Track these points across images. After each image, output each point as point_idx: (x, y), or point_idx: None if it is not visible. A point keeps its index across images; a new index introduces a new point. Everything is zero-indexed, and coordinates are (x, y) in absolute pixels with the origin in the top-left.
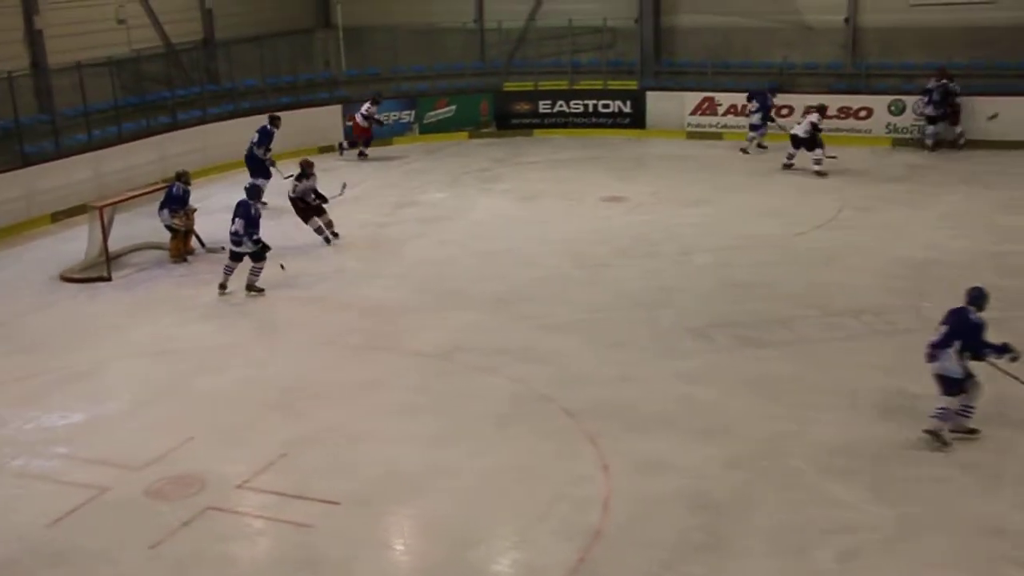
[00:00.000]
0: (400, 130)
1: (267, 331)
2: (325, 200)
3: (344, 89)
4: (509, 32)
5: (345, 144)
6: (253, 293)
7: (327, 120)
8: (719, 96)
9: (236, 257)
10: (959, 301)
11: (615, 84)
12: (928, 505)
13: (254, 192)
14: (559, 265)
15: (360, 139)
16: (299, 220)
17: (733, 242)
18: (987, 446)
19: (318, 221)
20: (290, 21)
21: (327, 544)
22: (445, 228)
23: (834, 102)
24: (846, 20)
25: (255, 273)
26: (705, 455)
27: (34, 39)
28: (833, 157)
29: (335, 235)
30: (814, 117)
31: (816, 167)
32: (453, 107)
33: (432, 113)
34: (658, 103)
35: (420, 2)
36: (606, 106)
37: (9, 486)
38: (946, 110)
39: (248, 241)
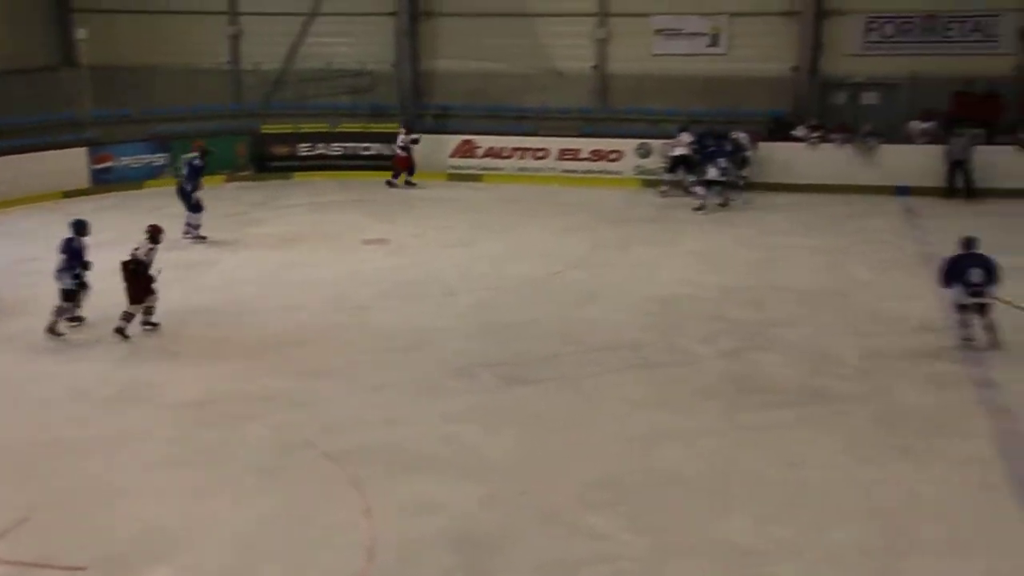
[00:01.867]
0: (152, 173)
1: (8, 384)
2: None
3: (92, 131)
4: (267, 74)
5: (393, 180)
6: (53, 335)
7: (71, 163)
8: (478, 139)
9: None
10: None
11: (376, 127)
12: (678, 531)
13: (79, 227)
14: (322, 309)
15: (404, 169)
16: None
17: (495, 283)
18: (721, 472)
19: (151, 301)
20: (26, 59)
21: None
22: (202, 274)
23: (586, 145)
24: (594, 67)
25: (60, 313)
26: (470, 494)
27: None
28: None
29: (155, 325)
30: None
31: None
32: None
33: (186, 156)
34: (418, 146)
35: (175, 43)
36: (367, 148)
37: None
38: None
39: (67, 277)
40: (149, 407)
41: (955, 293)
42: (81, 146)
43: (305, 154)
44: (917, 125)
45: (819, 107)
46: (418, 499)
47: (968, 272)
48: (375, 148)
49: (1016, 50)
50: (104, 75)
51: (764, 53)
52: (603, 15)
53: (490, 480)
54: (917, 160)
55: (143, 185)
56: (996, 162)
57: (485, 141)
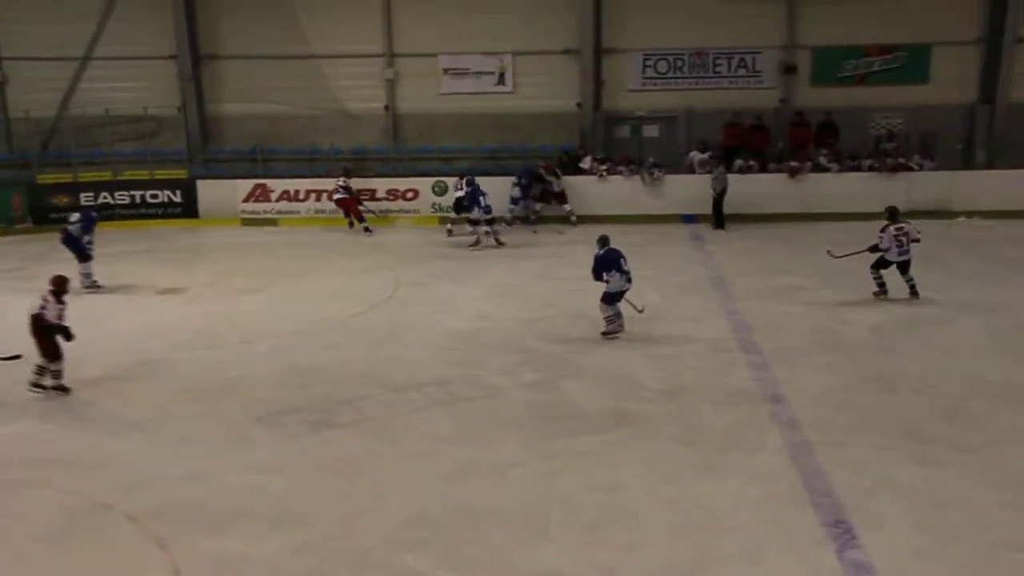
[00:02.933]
0: None
1: None
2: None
3: None
4: (40, 122)
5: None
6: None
7: None
8: (271, 182)
9: None
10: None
11: (162, 173)
12: (493, 563)
13: None
14: (116, 363)
15: (354, 213)
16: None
17: (293, 327)
18: (534, 502)
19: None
20: None
21: None
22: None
23: (382, 184)
24: (386, 107)
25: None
26: (278, 544)
27: None
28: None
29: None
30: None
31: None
32: None
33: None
34: (210, 191)
35: None
36: (155, 196)
37: None
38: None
39: None
40: None
41: (616, 282)
42: None
43: (88, 204)
44: (696, 155)
45: (605, 140)
46: (228, 554)
47: (620, 262)
48: (163, 195)
49: (778, 84)
50: None
51: (549, 90)
52: (390, 55)
53: (301, 529)
54: (698, 189)
55: None
56: (762, 191)
57: (279, 184)
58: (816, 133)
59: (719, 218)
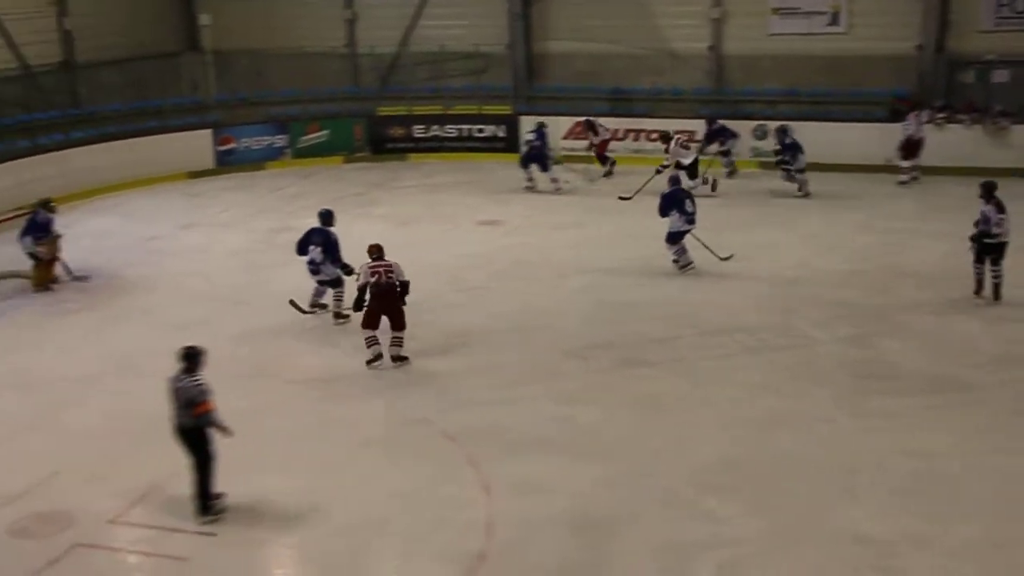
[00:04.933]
0: (272, 155)
1: (133, 361)
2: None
3: (216, 114)
4: (382, 57)
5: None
6: (340, 321)
7: (196, 144)
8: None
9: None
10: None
11: (489, 109)
12: (799, 517)
13: (327, 217)
14: (436, 289)
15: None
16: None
17: (606, 264)
18: (842, 459)
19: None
20: (155, 44)
21: None
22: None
23: (702, 127)
24: (710, 48)
25: (339, 297)
26: (585, 475)
27: None
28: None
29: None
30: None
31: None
32: (326, 132)
33: (305, 138)
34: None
35: (291, 27)
36: (480, 131)
37: None
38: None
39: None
40: (270, 383)
41: (674, 221)
42: (206, 128)
43: (419, 136)
44: None
45: (945, 86)
46: (535, 479)
47: (684, 202)
48: (488, 130)
49: None
50: (226, 60)
51: (886, 31)
52: None
53: (606, 461)
54: None
55: (264, 166)
56: None
57: (606, 122)
58: None
59: None
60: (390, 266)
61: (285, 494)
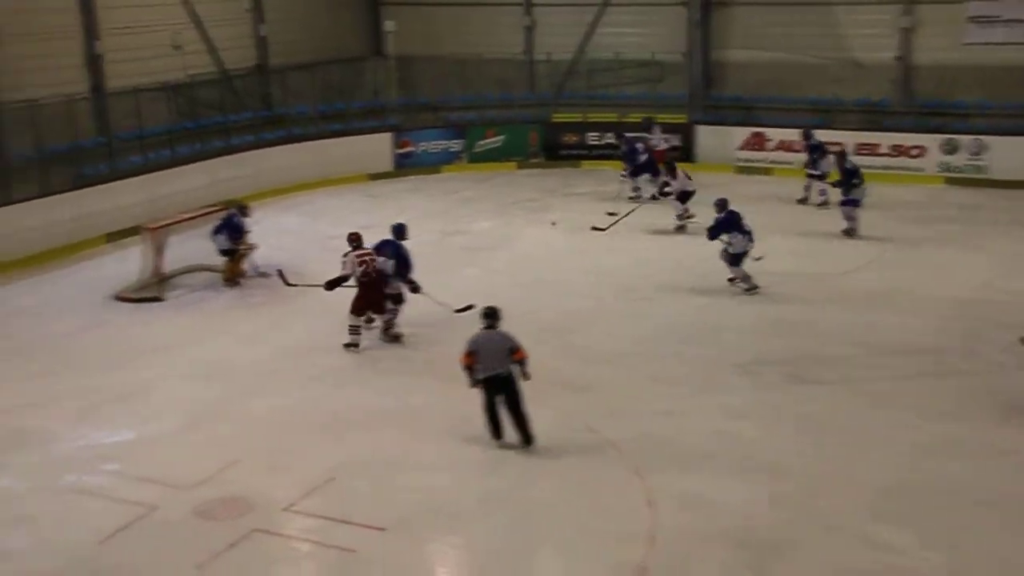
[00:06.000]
0: (448, 159)
1: (314, 355)
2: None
3: (393, 117)
4: (558, 64)
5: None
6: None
7: (377, 147)
8: (769, 131)
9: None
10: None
11: (664, 117)
12: (982, 554)
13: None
14: (604, 297)
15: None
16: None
17: (780, 278)
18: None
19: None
20: (343, 49)
21: (371, 570)
22: (491, 257)
23: (885, 140)
24: (898, 58)
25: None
26: (750, 493)
27: (94, 63)
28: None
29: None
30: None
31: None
32: (502, 137)
33: (481, 143)
34: (707, 137)
35: (471, 33)
36: None
37: (62, 502)
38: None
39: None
40: (439, 382)
41: (737, 243)
42: (386, 132)
43: (593, 143)
44: None
45: None
46: (698, 493)
47: (741, 223)
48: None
49: None
50: (408, 65)
51: None
52: (909, 3)
53: (772, 480)
54: None
55: (440, 169)
56: None
57: (776, 134)
58: None
59: None
60: (373, 255)
61: (453, 493)
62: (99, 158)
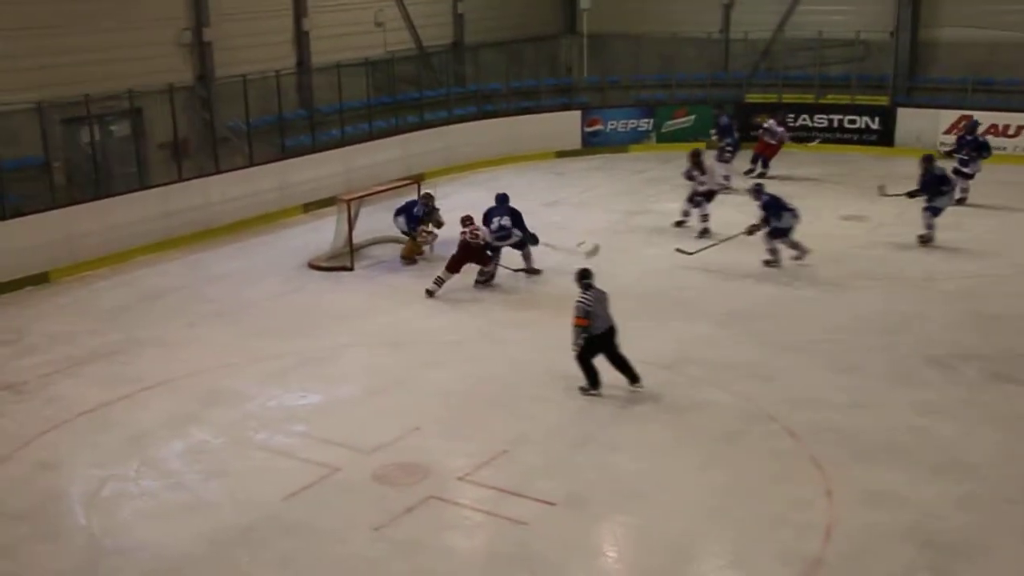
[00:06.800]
0: (637, 138)
1: (495, 329)
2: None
3: (583, 95)
4: (755, 43)
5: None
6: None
7: (565, 125)
8: (978, 115)
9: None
10: None
11: (863, 99)
12: None
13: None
14: (793, 283)
15: (762, 155)
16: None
17: (982, 269)
18: None
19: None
20: (537, 27)
21: (541, 544)
22: (677, 238)
23: None
24: None
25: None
26: (938, 492)
27: (301, 40)
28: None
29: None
30: None
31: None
32: (692, 117)
33: (670, 122)
34: (909, 120)
35: (666, 11)
36: (852, 121)
37: (252, 458)
38: None
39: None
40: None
41: (786, 219)
42: (576, 110)
43: (788, 124)
44: None
45: None
46: (881, 489)
47: (783, 201)
48: (861, 121)
49: None
50: (601, 43)
51: None
52: None
53: (963, 481)
54: None
55: (627, 149)
56: None
57: (987, 117)
58: None
59: None
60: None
61: (628, 473)
62: (301, 131)
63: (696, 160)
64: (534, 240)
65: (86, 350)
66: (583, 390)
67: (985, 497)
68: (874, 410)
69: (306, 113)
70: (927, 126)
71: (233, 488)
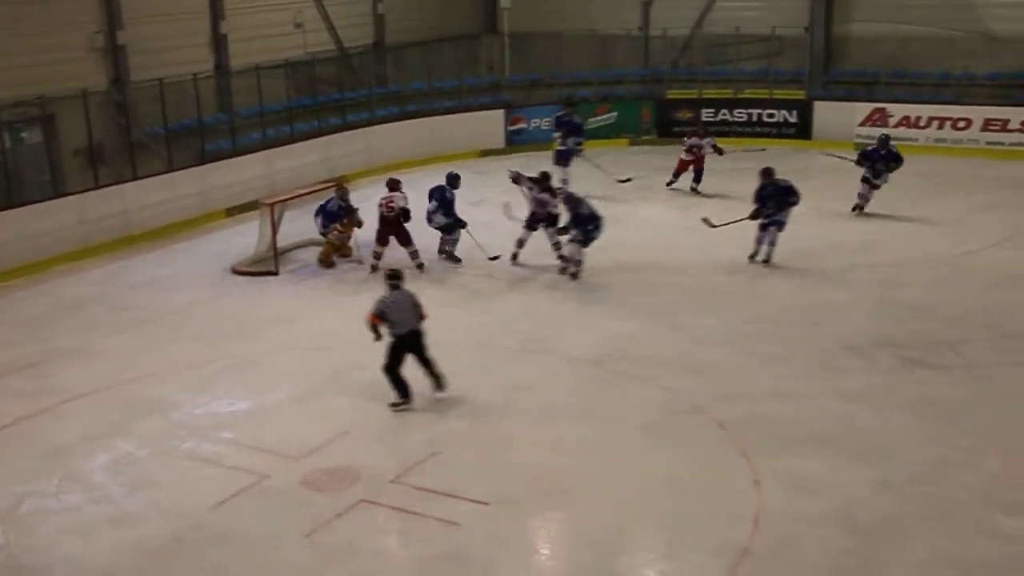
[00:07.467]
0: None
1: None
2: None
3: (507, 94)
4: (674, 40)
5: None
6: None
7: (489, 125)
8: (891, 107)
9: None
10: None
11: (781, 93)
12: None
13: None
14: (715, 276)
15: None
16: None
17: (899, 258)
18: None
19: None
20: (458, 27)
21: (474, 543)
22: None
23: (1017, 115)
24: None
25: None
26: (861, 478)
27: (219, 43)
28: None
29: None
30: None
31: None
32: (614, 114)
33: (593, 119)
34: (826, 113)
35: (586, 9)
36: (771, 115)
37: (179, 468)
38: None
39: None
40: (546, 359)
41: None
42: (499, 108)
43: (707, 120)
44: None
45: None
46: (807, 476)
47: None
48: (779, 115)
49: None
50: (522, 42)
51: None
52: None
53: (885, 466)
54: None
55: (551, 146)
56: None
57: (899, 110)
58: None
59: None
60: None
61: (558, 471)
62: (221, 135)
63: (545, 184)
64: (461, 224)
65: (3, 362)
66: (393, 405)
67: (905, 481)
68: (798, 399)
69: (226, 117)
70: (843, 118)
71: (160, 499)
